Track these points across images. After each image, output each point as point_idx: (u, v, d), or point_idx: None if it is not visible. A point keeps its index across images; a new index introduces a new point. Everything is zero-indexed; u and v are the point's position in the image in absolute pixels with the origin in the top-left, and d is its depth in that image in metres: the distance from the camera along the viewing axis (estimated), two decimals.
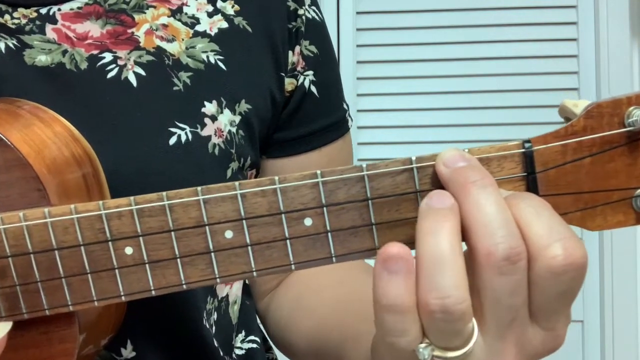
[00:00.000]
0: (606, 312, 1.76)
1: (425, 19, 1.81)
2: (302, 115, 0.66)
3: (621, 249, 1.76)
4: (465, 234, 0.37)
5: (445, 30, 1.81)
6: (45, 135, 0.46)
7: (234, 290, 0.65)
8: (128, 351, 0.55)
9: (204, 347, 0.58)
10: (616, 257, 1.75)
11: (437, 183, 0.39)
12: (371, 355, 0.44)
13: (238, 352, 0.65)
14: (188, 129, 0.56)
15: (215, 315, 0.61)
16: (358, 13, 1.81)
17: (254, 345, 0.66)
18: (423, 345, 0.37)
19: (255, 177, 0.65)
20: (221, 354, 0.60)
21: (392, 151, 1.77)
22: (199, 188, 0.40)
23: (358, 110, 1.79)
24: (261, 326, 0.72)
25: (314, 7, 0.67)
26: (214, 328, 0.61)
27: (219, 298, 0.62)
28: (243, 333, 0.66)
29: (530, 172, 0.39)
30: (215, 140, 0.57)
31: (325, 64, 0.68)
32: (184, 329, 0.57)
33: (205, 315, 0.59)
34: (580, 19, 1.80)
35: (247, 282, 0.70)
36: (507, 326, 0.37)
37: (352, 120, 0.71)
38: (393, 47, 1.81)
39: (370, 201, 0.40)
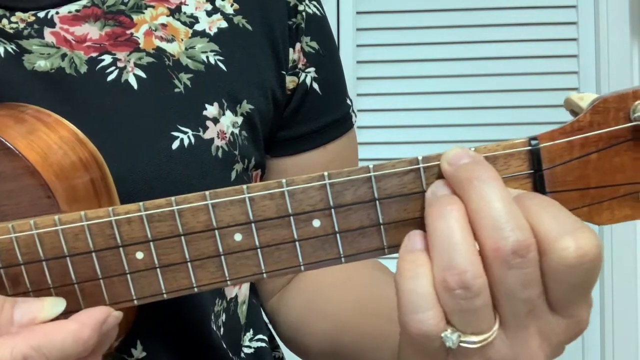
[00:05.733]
0: (606, 312, 1.76)
1: (425, 19, 1.81)
2: (305, 113, 0.66)
3: (621, 249, 1.75)
4: (473, 231, 0.37)
5: (445, 30, 1.81)
6: (51, 140, 0.46)
7: (242, 291, 0.65)
8: (138, 351, 0.55)
9: (212, 349, 0.58)
10: (616, 257, 1.75)
11: None
12: (398, 356, 0.44)
13: (247, 350, 0.65)
14: (190, 132, 0.55)
15: (223, 317, 0.61)
16: (358, 13, 1.82)
17: (263, 344, 0.66)
18: (449, 331, 0.37)
19: (261, 177, 0.65)
20: (230, 354, 0.60)
21: (392, 151, 1.77)
22: (207, 192, 0.40)
23: (358, 110, 1.79)
24: (269, 325, 0.72)
25: (314, 2, 0.66)
26: (222, 329, 0.61)
27: (228, 299, 0.62)
28: (251, 332, 0.66)
29: (537, 169, 0.39)
30: (218, 142, 0.57)
31: (327, 59, 0.67)
32: (192, 331, 0.57)
33: (213, 317, 0.59)
34: (580, 19, 1.80)
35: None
36: (526, 317, 0.37)
37: (356, 115, 0.71)
38: (393, 47, 1.82)
39: (377, 201, 0.40)
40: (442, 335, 0.37)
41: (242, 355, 0.64)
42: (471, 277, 0.35)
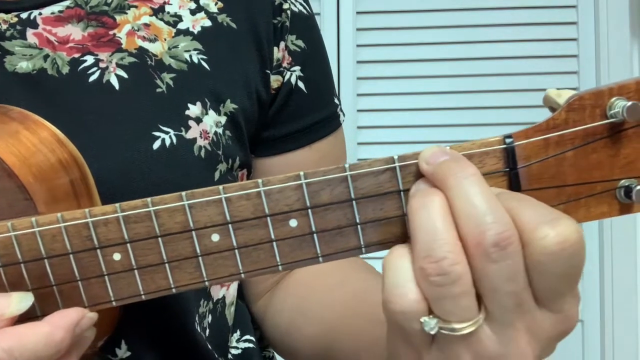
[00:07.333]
0: (606, 312, 1.75)
1: (425, 19, 1.81)
2: (290, 112, 0.65)
3: (621, 249, 1.75)
4: (456, 227, 0.37)
5: (445, 30, 1.81)
6: (30, 142, 0.46)
7: (230, 292, 0.64)
8: (123, 351, 0.55)
9: (197, 350, 0.58)
10: (616, 257, 1.75)
11: None
12: (387, 347, 0.43)
13: (234, 351, 0.65)
14: (172, 132, 0.55)
15: (209, 318, 0.61)
16: (358, 13, 1.82)
17: (250, 345, 0.66)
18: (428, 317, 0.37)
19: (247, 177, 0.64)
20: (216, 355, 0.60)
21: (392, 151, 1.75)
22: (183, 193, 0.40)
23: (358, 110, 1.79)
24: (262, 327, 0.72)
25: (300, 1, 0.66)
26: (207, 331, 0.60)
27: (214, 300, 0.62)
28: (238, 332, 0.66)
29: (512, 167, 0.39)
30: (200, 142, 0.57)
31: (314, 58, 0.66)
32: (176, 332, 0.57)
33: (197, 318, 0.58)
34: (580, 19, 1.80)
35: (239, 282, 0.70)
36: (512, 312, 0.37)
37: (344, 115, 0.70)
38: (393, 47, 1.81)
39: (354, 201, 0.40)
40: (422, 320, 0.37)
41: (230, 356, 0.64)
42: (448, 264, 0.35)
